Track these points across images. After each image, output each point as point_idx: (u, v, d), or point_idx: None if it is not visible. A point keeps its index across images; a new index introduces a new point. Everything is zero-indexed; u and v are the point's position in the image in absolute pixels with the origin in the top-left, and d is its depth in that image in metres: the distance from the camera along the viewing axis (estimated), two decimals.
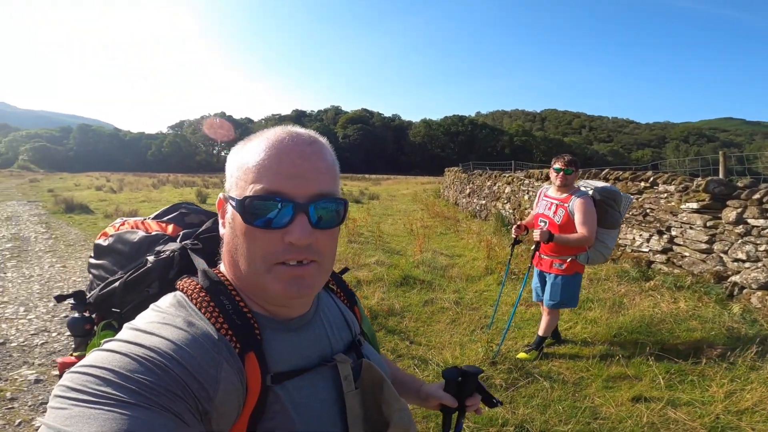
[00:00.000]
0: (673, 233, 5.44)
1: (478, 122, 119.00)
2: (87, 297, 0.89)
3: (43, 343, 3.69)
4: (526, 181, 9.84)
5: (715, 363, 3.24)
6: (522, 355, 3.44)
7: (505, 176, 11.31)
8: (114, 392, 0.48)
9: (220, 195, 0.68)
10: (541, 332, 3.50)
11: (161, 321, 0.59)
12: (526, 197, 9.62)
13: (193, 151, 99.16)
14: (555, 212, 3.35)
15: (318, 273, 0.64)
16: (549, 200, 3.46)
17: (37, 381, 3.08)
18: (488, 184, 12.23)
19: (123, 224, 0.98)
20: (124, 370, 0.50)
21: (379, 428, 0.71)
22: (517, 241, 3.80)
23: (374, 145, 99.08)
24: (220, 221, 0.68)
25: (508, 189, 10.80)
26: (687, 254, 5.21)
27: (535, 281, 3.66)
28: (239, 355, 0.59)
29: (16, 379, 3.10)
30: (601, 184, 3.41)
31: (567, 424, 2.60)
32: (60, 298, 0.92)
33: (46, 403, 2.69)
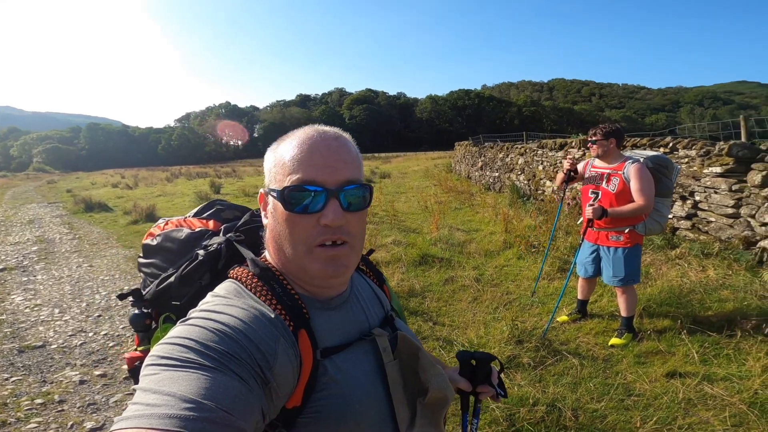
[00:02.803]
0: (697, 198, 5.30)
1: (485, 95, 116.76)
2: (143, 294, 0.97)
3: (81, 344, 3.77)
4: (540, 152, 9.66)
5: (750, 336, 3.16)
6: (615, 340, 3.26)
7: (517, 147, 11.13)
8: (196, 358, 0.56)
9: (261, 190, 0.76)
10: (624, 313, 3.32)
11: (226, 303, 0.67)
12: (540, 167, 9.47)
13: (202, 142, 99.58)
14: (608, 181, 3.23)
15: (351, 253, 0.73)
16: (598, 170, 3.34)
17: (81, 382, 3.14)
18: (500, 156, 12.05)
19: (167, 224, 1.05)
20: (202, 340, 0.58)
21: (419, 393, 0.78)
22: (570, 176, 3.57)
23: (381, 124, 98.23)
24: (263, 213, 0.77)
25: (521, 160, 10.63)
26: (713, 219, 5.08)
27: (584, 255, 3.51)
28: (293, 333, 0.67)
29: (62, 381, 3.16)
30: (651, 153, 3.32)
31: (600, 401, 2.58)
32: (121, 297, 1.02)
33: (94, 404, 2.79)
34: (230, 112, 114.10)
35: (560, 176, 3.63)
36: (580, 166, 3.58)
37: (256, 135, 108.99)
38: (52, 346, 3.73)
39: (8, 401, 2.88)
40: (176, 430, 0.48)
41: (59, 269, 6.28)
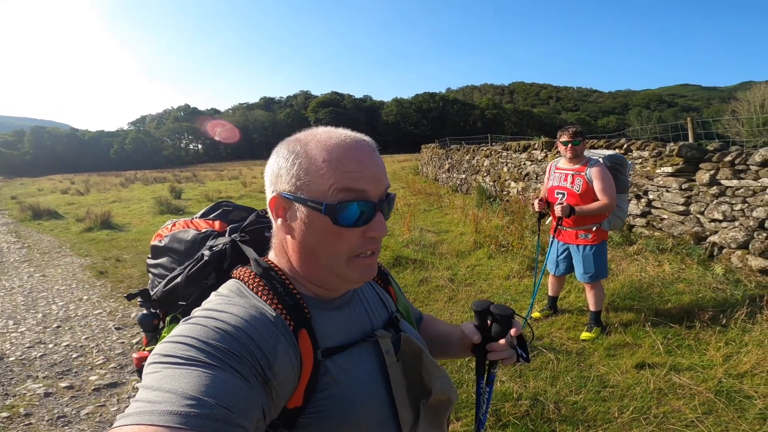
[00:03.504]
0: (651, 197, 5.62)
1: (449, 98, 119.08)
2: (151, 294, 0.96)
3: (41, 356, 3.58)
4: (504, 153, 9.94)
5: (708, 326, 3.37)
6: (585, 335, 3.38)
7: (483, 149, 11.39)
8: (197, 355, 0.56)
9: (274, 194, 0.71)
10: (593, 308, 3.46)
11: (228, 302, 0.67)
12: (505, 169, 9.74)
13: (159, 146, 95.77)
14: (573, 182, 3.38)
15: (377, 259, 0.75)
16: (563, 172, 3.48)
17: (47, 395, 3.00)
18: (467, 158, 12.31)
19: (174, 225, 1.06)
20: (204, 338, 0.59)
21: (422, 396, 0.78)
22: (542, 215, 3.74)
23: (347, 126, 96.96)
24: (278, 219, 0.72)
25: (487, 162, 10.90)
26: (665, 216, 5.41)
27: (554, 254, 3.65)
28: (293, 332, 0.66)
29: (25, 393, 3.02)
30: (607, 152, 3.49)
31: (578, 394, 2.69)
32: (130, 297, 1.02)
33: (64, 417, 2.67)
34: (189, 114, 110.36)
35: (537, 207, 3.59)
36: (546, 171, 3.71)
37: (217, 138, 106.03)
38: (10, 359, 3.54)
39: None
40: (177, 426, 0.48)
41: (9, 279, 5.90)
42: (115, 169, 64.05)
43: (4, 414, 2.76)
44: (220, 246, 0.89)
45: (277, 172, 0.71)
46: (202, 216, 1.08)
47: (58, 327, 4.16)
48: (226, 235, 0.95)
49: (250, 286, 0.70)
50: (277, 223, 0.73)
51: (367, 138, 0.74)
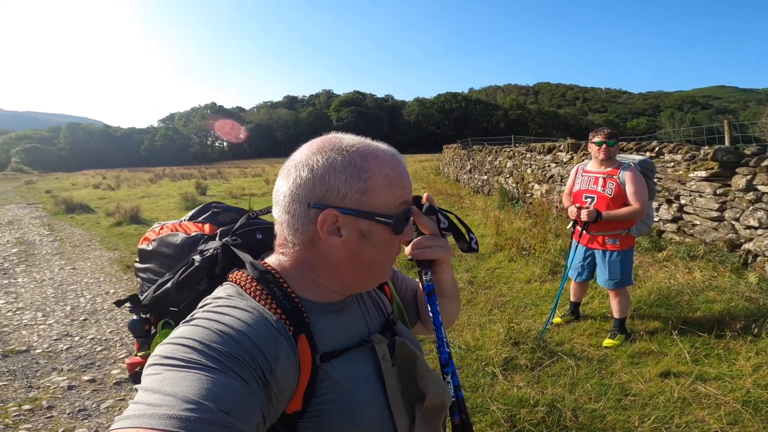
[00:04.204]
0: (683, 202, 5.42)
1: (472, 98, 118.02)
2: (141, 300, 0.94)
3: (67, 348, 3.67)
4: (528, 155, 9.77)
5: (739, 336, 3.24)
6: (609, 341, 3.29)
7: (506, 151, 11.23)
8: (198, 358, 0.56)
9: (327, 211, 0.67)
10: (617, 315, 3.36)
11: (229, 305, 0.66)
12: (528, 171, 9.57)
13: (187, 143, 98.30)
14: (604, 185, 3.26)
15: None
16: (592, 175, 3.36)
17: (70, 387, 3.06)
18: (489, 159, 12.15)
19: (162, 228, 1.02)
20: (206, 340, 0.58)
21: (417, 400, 0.77)
22: (575, 223, 3.51)
23: (368, 126, 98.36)
24: (329, 237, 0.69)
25: (509, 163, 10.73)
26: (698, 222, 5.20)
27: (577, 259, 3.53)
28: (293, 337, 0.66)
29: (49, 386, 3.08)
30: (637, 157, 3.38)
31: (597, 401, 2.61)
32: (119, 303, 0.99)
33: (85, 410, 2.70)
34: (216, 112, 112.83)
35: (572, 212, 3.41)
36: (571, 174, 3.61)
37: (242, 136, 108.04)
38: (37, 351, 3.62)
39: None
40: (176, 430, 0.47)
41: (41, 272, 6.11)
42: (145, 165, 66.03)
43: (27, 406, 2.82)
44: (211, 250, 0.87)
45: (327, 186, 0.67)
46: (191, 218, 1.04)
47: (85, 320, 4.29)
48: (217, 238, 0.92)
49: (248, 290, 0.69)
50: (319, 239, 0.69)
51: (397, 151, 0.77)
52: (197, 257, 0.86)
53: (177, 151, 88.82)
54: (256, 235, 0.90)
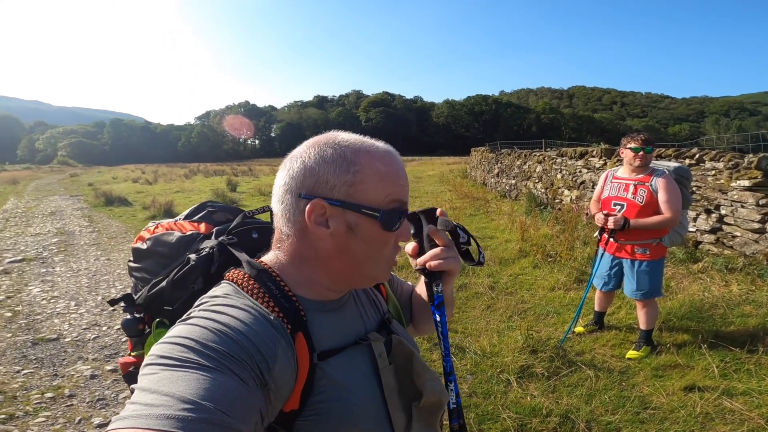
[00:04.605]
0: (723, 212, 5.15)
1: (503, 101, 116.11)
2: (135, 299, 0.94)
3: (95, 338, 3.80)
4: (558, 160, 9.53)
5: None
6: (633, 353, 3.18)
7: (535, 155, 11.00)
8: (195, 357, 0.55)
9: (315, 201, 0.68)
10: (644, 326, 3.23)
11: (226, 303, 0.66)
12: (558, 176, 9.33)
13: (220, 140, 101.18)
14: (635, 193, 3.12)
15: None
16: (622, 181, 3.22)
17: (92, 377, 3.14)
18: (518, 163, 11.93)
19: (157, 227, 1.02)
20: (203, 339, 0.58)
21: (414, 398, 0.77)
22: (602, 230, 3.39)
23: (397, 127, 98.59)
24: (314, 225, 0.69)
25: (539, 168, 10.50)
26: (738, 234, 4.93)
27: (603, 268, 3.40)
28: (290, 335, 0.66)
29: (73, 375, 3.18)
30: (672, 164, 3.22)
31: (614, 414, 2.52)
32: (112, 302, 0.98)
33: (103, 399, 2.77)
34: (249, 111, 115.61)
35: (599, 219, 3.25)
36: (600, 180, 3.49)
37: (273, 135, 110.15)
38: (66, 339, 3.76)
39: (18, 394, 2.89)
40: (173, 430, 0.47)
41: (77, 262, 6.40)
42: (182, 161, 68.41)
43: (49, 395, 2.89)
44: (206, 249, 0.87)
45: (317, 177, 0.69)
46: (187, 217, 1.04)
47: (114, 310, 4.44)
48: (213, 237, 0.92)
49: (245, 289, 0.69)
50: (306, 229, 0.70)
51: (392, 148, 0.77)
52: (193, 256, 0.86)
53: (211, 148, 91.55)
54: (252, 234, 0.90)
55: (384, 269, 0.76)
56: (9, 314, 4.32)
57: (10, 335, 3.83)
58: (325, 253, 0.72)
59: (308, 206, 0.68)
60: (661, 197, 3.00)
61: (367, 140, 0.73)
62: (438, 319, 0.85)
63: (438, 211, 0.83)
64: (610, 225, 3.09)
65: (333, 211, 0.69)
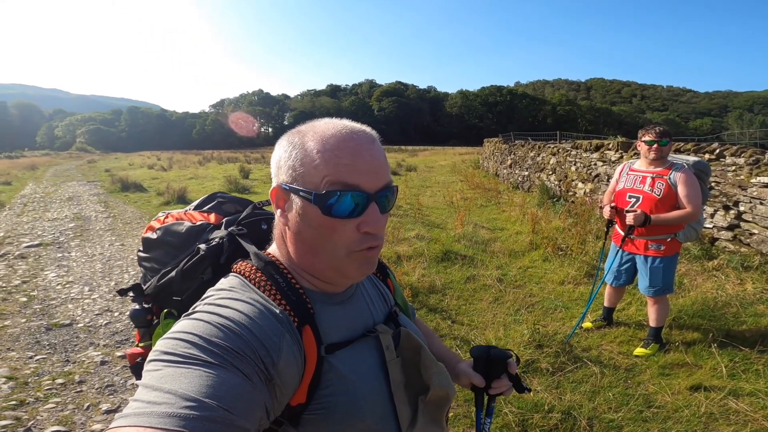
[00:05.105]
0: (741, 209, 5.01)
1: (518, 92, 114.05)
2: (144, 289, 0.95)
3: (107, 324, 3.85)
4: (573, 152, 9.36)
5: None
6: (640, 351, 3.15)
7: (549, 147, 10.82)
8: (199, 354, 0.55)
9: (275, 185, 0.71)
10: (654, 324, 3.19)
11: (231, 297, 0.65)
12: (573, 168, 9.18)
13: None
14: (652, 185, 3.04)
15: (378, 253, 0.72)
16: (639, 174, 3.15)
17: (102, 363, 3.18)
18: (531, 155, 11.76)
19: (167, 217, 1.03)
20: (206, 335, 0.57)
21: (420, 392, 0.77)
22: (611, 223, 3.41)
23: (409, 117, 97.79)
24: (278, 210, 0.72)
25: (553, 160, 10.34)
26: (756, 231, 4.80)
27: (616, 263, 3.34)
28: (297, 328, 0.65)
29: (84, 361, 3.21)
30: (691, 158, 3.13)
31: (617, 411, 2.49)
32: (122, 292, 0.99)
33: (112, 386, 2.77)
34: (262, 100, 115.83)
35: (607, 215, 3.28)
36: (616, 172, 3.41)
37: (286, 123, 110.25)
38: (79, 325, 3.80)
39: (30, 380, 2.92)
40: (176, 429, 0.47)
41: (92, 247, 6.51)
42: (197, 148, 69.08)
43: (60, 380, 2.92)
44: (216, 240, 0.87)
45: (277, 163, 0.71)
46: (197, 208, 1.05)
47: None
48: (222, 228, 0.92)
49: (252, 281, 0.69)
50: (277, 214, 0.73)
51: (366, 129, 0.72)
52: (202, 246, 0.87)
53: (225, 136, 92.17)
54: (261, 225, 0.91)
55: (347, 261, 0.69)
56: (24, 299, 4.41)
57: (24, 320, 3.90)
58: (289, 239, 0.72)
59: (270, 192, 0.72)
60: (681, 191, 2.93)
61: (329, 121, 0.70)
62: (488, 426, 0.99)
63: (512, 369, 0.94)
64: (630, 221, 3.01)
65: (284, 194, 0.70)
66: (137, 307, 0.95)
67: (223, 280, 0.72)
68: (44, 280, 5.02)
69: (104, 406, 2.69)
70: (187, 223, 0.97)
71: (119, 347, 3.45)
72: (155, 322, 0.94)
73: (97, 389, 2.86)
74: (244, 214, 0.94)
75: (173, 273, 0.88)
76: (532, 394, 2.64)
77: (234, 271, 0.73)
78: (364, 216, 0.66)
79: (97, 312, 4.11)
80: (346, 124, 0.70)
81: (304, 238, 0.70)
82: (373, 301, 0.82)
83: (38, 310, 4.15)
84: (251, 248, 0.77)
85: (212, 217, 0.99)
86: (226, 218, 0.96)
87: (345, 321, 0.74)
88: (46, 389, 2.84)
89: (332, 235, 0.67)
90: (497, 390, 0.92)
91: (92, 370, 3.09)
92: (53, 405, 2.68)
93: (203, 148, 67.69)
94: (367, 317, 0.78)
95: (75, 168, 25.36)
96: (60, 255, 6.06)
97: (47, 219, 8.68)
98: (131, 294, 0.96)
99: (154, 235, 0.99)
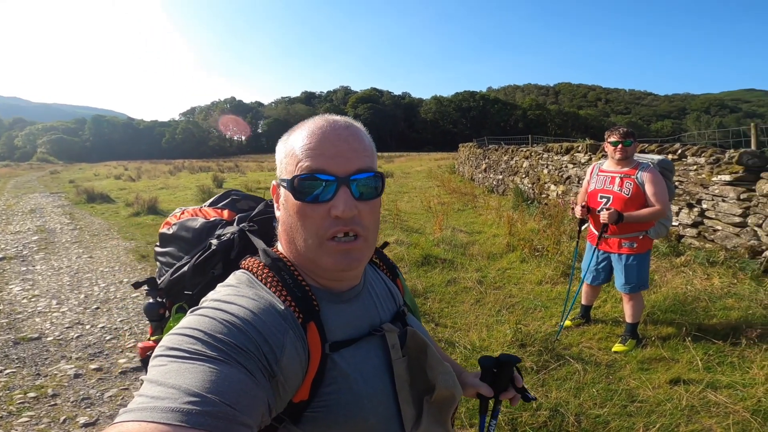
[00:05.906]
0: (704, 206, 5.25)
1: (490, 97, 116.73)
2: (158, 283, 0.97)
3: (78, 336, 3.71)
4: (545, 155, 9.61)
5: (754, 344, 3.13)
6: (618, 347, 3.21)
7: (522, 150, 11.08)
8: (203, 349, 0.55)
9: (273, 181, 0.75)
10: (630, 320, 3.27)
11: (236, 293, 0.66)
12: (545, 171, 9.42)
13: (206, 136, 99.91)
14: (621, 185, 3.15)
15: (364, 247, 0.71)
16: (608, 174, 3.26)
17: (76, 376, 3.07)
18: (505, 158, 12.01)
19: (183, 213, 1.06)
20: (211, 331, 0.58)
21: (426, 391, 0.76)
22: (583, 222, 3.53)
23: (385, 123, 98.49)
24: (275, 205, 0.75)
25: (526, 163, 10.58)
26: (719, 228, 5.03)
27: (593, 262, 3.43)
28: (302, 325, 0.65)
29: (56, 374, 3.09)
30: (656, 157, 3.27)
31: (602, 407, 2.55)
32: (136, 285, 1.01)
33: (88, 398, 2.70)
34: (235, 107, 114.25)
35: (579, 214, 3.40)
36: (586, 174, 3.52)
37: (260, 131, 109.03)
38: (48, 339, 3.67)
39: (0, 394, 2.82)
40: (178, 424, 0.47)
41: (59, 260, 6.25)
42: (166, 157, 67.43)
43: (32, 394, 2.83)
44: (227, 235, 0.89)
45: (277, 161, 0.75)
46: (211, 204, 1.08)
47: (97, 308, 4.35)
48: (234, 224, 0.94)
49: (259, 277, 0.70)
50: (276, 211, 0.77)
51: (348, 119, 0.74)
52: (214, 241, 0.89)
53: (197, 144, 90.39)
54: (273, 222, 0.90)
55: (321, 252, 0.68)
56: None
57: None
58: (280, 235, 0.76)
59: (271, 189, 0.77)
60: (649, 190, 3.05)
61: (319, 117, 0.73)
62: (492, 427, 1.00)
63: (519, 383, 0.96)
64: (604, 219, 3.11)
65: (278, 190, 0.74)
66: (151, 300, 0.97)
67: (231, 276, 0.73)
68: (9, 294, 4.79)
69: (82, 419, 2.58)
70: (201, 219, 0.99)
71: (93, 360, 3.32)
72: (167, 316, 0.96)
73: (72, 402, 2.77)
74: (256, 210, 0.96)
75: (185, 267, 0.89)
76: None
77: (242, 267, 0.74)
78: (333, 200, 0.66)
79: (67, 325, 3.95)
80: (330, 117, 0.73)
81: (287, 229, 0.72)
82: (381, 299, 0.82)
83: (4, 324, 3.96)
84: (260, 244, 0.78)
85: (225, 214, 1.01)
86: (238, 215, 0.98)
87: (351, 319, 0.73)
88: (19, 403, 2.74)
89: (305, 221, 0.68)
90: (507, 395, 0.95)
91: (66, 384, 2.98)
92: (27, 419, 2.59)
93: (173, 157, 66.11)
94: (374, 316, 0.77)
95: (37, 179, 24.26)
96: (24, 269, 5.78)
97: (9, 232, 8.25)
98: (146, 287, 0.98)
99: (169, 231, 1.01)
